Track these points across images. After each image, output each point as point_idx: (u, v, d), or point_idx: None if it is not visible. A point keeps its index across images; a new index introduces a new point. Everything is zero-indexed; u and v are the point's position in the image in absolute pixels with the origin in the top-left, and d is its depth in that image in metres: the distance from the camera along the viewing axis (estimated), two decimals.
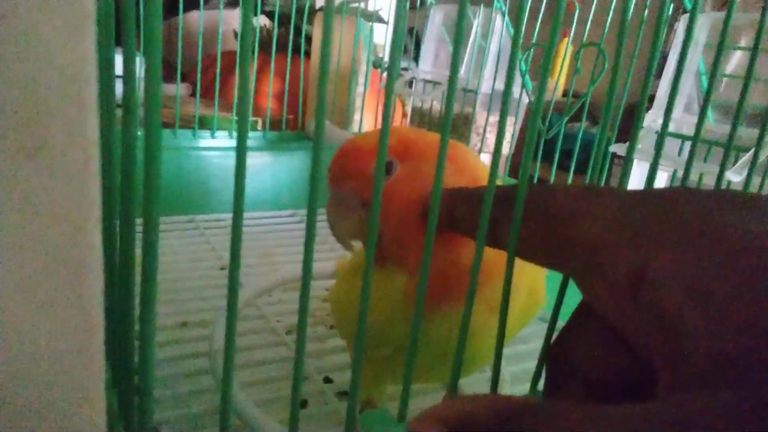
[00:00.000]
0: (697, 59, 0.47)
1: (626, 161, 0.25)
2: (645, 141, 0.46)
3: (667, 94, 0.48)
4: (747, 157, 0.36)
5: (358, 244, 0.30)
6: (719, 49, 0.28)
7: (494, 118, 0.71)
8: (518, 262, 0.22)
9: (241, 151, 0.16)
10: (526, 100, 0.69)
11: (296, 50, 0.79)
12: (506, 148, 0.75)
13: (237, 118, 0.16)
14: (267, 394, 0.39)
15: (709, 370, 0.14)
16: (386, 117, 0.19)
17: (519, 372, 0.43)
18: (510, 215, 0.21)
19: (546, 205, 0.20)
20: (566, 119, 0.60)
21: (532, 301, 0.31)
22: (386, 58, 1.19)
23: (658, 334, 0.16)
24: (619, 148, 0.45)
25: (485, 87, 0.70)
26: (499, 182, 0.22)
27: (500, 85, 0.67)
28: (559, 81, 0.90)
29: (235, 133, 0.74)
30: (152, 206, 0.15)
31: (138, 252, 0.16)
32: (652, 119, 0.47)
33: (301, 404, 0.42)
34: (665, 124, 0.25)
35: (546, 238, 0.20)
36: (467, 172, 0.28)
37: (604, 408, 0.15)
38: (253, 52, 1.00)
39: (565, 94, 0.68)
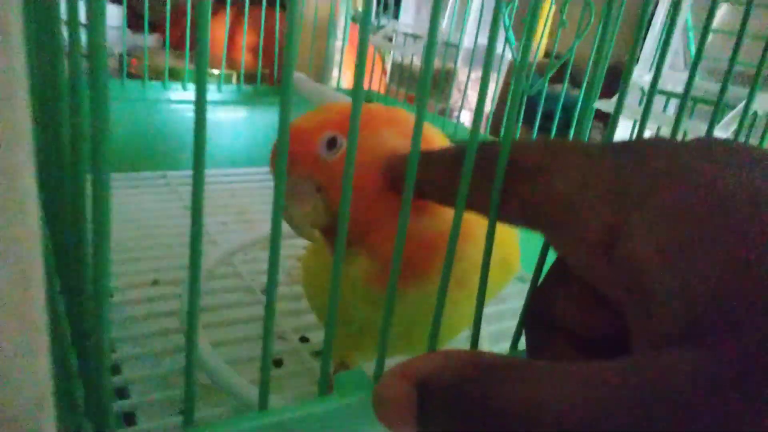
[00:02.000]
0: (685, 14, 0.46)
1: (612, 119, 0.24)
2: (628, 97, 0.45)
3: (653, 50, 0.47)
4: (734, 112, 0.35)
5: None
6: (712, 7, 0.27)
7: (476, 74, 0.69)
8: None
9: (200, 107, 0.14)
10: (509, 56, 0.67)
11: (272, 2, 0.76)
12: (487, 106, 0.73)
13: (195, 71, 0.14)
14: (242, 353, 0.38)
15: (679, 331, 0.13)
16: (359, 74, 0.17)
17: (497, 331, 0.43)
18: (480, 174, 0.19)
19: (512, 159, 0.19)
20: (549, 76, 0.58)
21: (504, 271, 0.30)
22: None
23: (631, 293, 0.15)
24: (602, 105, 0.44)
25: (467, 41, 0.68)
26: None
27: (483, 40, 0.65)
28: (541, 41, 0.88)
29: (209, 86, 0.71)
30: (102, 161, 0.13)
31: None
32: (638, 75, 0.46)
33: (276, 363, 0.42)
34: (654, 81, 0.24)
35: (514, 195, 0.19)
36: (406, 135, 0.26)
37: (571, 365, 0.14)
38: (224, 3, 0.95)
39: (547, 54, 0.67)
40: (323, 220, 0.26)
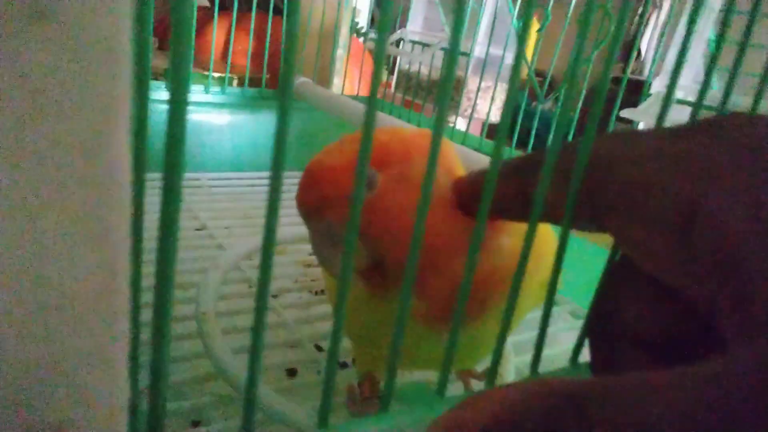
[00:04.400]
0: (709, 26, 0.46)
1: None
2: (653, 108, 0.45)
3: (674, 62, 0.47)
4: None
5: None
6: (726, 13, 0.26)
7: (486, 83, 0.68)
8: (534, 258, 0.19)
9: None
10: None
11: (278, 11, 0.75)
12: (497, 115, 0.72)
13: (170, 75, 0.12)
14: None
15: None
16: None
17: (524, 341, 0.41)
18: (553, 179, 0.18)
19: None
20: (564, 89, 0.58)
21: (543, 293, 0.29)
22: (362, 23, 1.14)
23: (717, 276, 0.14)
24: (629, 113, 0.43)
25: (478, 51, 0.67)
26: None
27: (494, 50, 0.64)
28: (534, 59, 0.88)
29: (212, 88, 0.69)
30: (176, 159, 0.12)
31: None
32: (662, 86, 0.45)
33: (290, 373, 0.40)
34: (670, 91, 0.24)
35: (583, 192, 0.18)
36: (444, 164, 0.24)
37: (663, 373, 0.13)
38: (224, 9, 0.94)
39: (537, 74, 0.65)
40: (362, 263, 0.24)
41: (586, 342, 0.21)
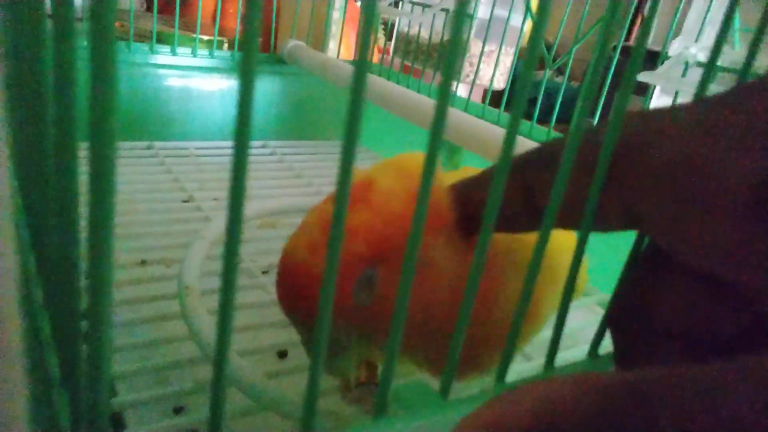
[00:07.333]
0: None
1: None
2: (674, 71, 0.41)
3: (697, 23, 0.43)
4: None
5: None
6: None
7: (490, 47, 0.64)
8: (548, 270, 0.17)
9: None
10: (527, 28, 0.63)
11: None
12: (501, 81, 0.69)
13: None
14: (246, 343, 0.34)
15: None
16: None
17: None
18: (551, 177, 0.16)
19: (593, 146, 0.16)
20: (574, 49, 0.54)
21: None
22: None
23: None
24: (645, 77, 0.40)
25: (482, 12, 0.64)
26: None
27: (499, 11, 0.60)
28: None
29: (199, 51, 0.65)
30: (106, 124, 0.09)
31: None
32: (683, 46, 0.42)
33: (280, 355, 0.37)
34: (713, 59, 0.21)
35: (610, 182, 0.15)
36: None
37: (733, 365, 0.11)
38: None
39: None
40: (364, 357, 0.23)
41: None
